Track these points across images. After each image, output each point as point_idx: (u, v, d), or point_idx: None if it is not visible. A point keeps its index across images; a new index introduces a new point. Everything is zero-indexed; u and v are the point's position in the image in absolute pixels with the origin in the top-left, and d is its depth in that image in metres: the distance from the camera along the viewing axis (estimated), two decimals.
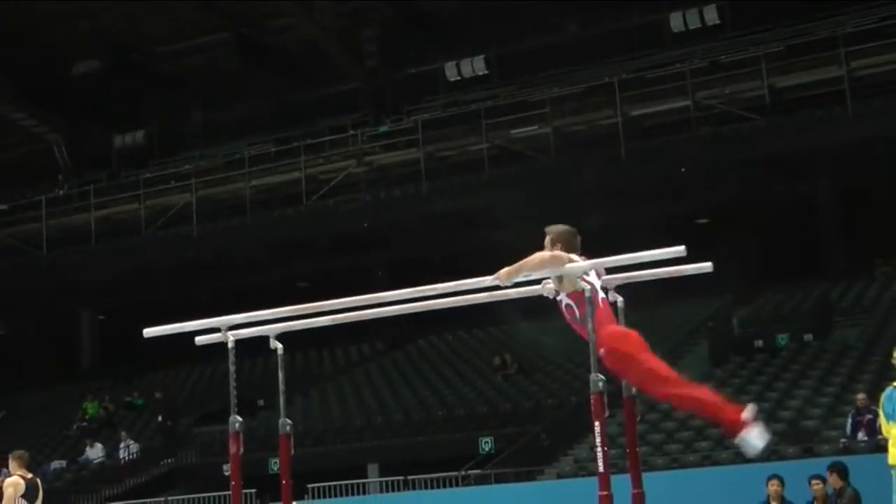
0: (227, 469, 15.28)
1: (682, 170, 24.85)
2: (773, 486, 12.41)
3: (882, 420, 9.40)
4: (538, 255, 6.32)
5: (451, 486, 18.83)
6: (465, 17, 31.06)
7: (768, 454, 16.70)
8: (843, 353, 20.83)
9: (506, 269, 6.28)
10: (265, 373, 27.40)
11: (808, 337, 21.77)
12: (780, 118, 24.21)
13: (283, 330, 7.49)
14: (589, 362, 6.21)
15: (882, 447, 11.75)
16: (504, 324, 27.47)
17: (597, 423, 6.05)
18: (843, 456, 14.20)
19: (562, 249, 6.46)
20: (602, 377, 6.10)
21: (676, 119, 25.35)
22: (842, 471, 11.93)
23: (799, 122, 23.98)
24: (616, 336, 6.28)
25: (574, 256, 6.43)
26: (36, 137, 35.49)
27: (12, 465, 11.62)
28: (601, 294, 6.42)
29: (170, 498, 21.46)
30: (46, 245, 30.40)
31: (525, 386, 23.80)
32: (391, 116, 30.58)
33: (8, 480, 11.49)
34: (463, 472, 19.03)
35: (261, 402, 25.37)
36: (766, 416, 18.23)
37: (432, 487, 18.99)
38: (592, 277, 6.35)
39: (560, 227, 6.64)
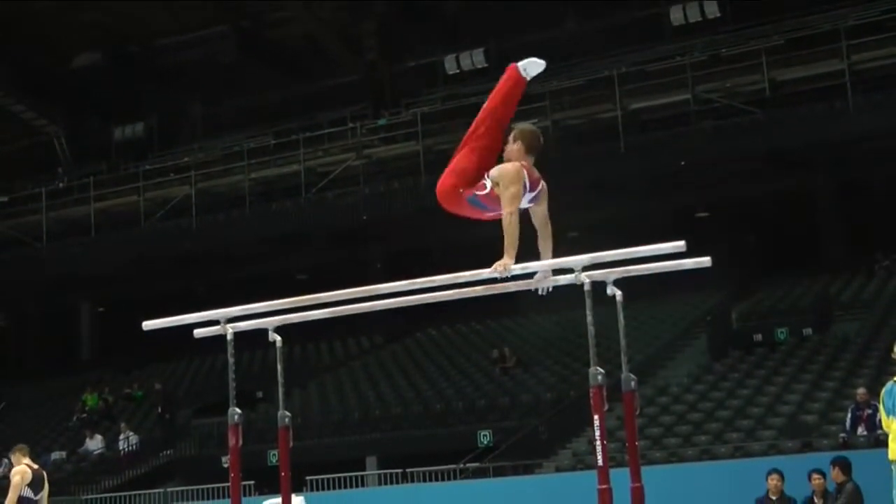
0: (225, 461, 15.31)
1: (682, 163, 24.84)
2: (773, 481, 12.39)
3: (882, 415, 9.39)
4: (507, 221, 6.29)
5: (449, 479, 18.84)
6: (465, 10, 31.03)
7: (767, 448, 16.79)
8: (842, 348, 20.79)
9: (500, 262, 6.27)
10: (264, 365, 27.40)
11: (808, 331, 21.72)
12: (780, 112, 24.17)
13: (282, 322, 7.47)
14: (588, 356, 6.20)
15: (882, 442, 11.77)
16: (505, 316, 27.52)
17: (596, 417, 6.04)
18: (842, 451, 14.16)
19: (524, 147, 6.54)
20: (601, 371, 6.10)
21: (676, 113, 25.34)
22: (845, 465, 11.89)
23: (799, 115, 23.94)
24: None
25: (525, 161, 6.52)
26: (36, 130, 35.45)
27: (16, 457, 11.69)
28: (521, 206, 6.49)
29: (169, 489, 21.49)
30: (46, 237, 30.43)
31: (524, 379, 23.78)
32: (390, 109, 30.54)
33: (16, 469, 11.57)
34: (461, 466, 19.04)
35: (259, 395, 25.42)
36: (766, 411, 18.37)
37: (430, 480, 18.99)
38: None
39: (526, 126, 6.71)
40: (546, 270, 6.53)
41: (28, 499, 11.42)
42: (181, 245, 29.28)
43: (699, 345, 23.14)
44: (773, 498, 12.37)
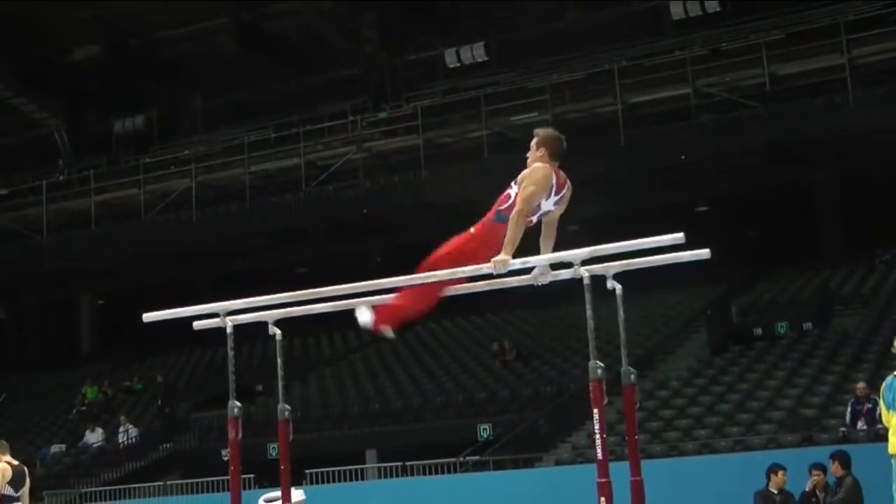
0: (225, 454, 15.29)
1: (682, 157, 24.84)
2: (780, 476, 12.37)
3: (882, 409, 9.37)
4: (514, 218, 6.32)
5: (449, 472, 18.82)
6: (465, 4, 31.01)
7: (766, 442, 16.80)
8: (842, 342, 20.80)
9: (498, 258, 6.27)
10: (264, 358, 27.43)
11: (808, 325, 21.73)
12: (780, 106, 24.15)
13: (282, 316, 7.48)
14: (588, 350, 6.21)
15: (882, 436, 11.74)
16: (505, 310, 27.53)
17: (595, 411, 6.05)
18: (842, 445, 14.17)
19: (547, 153, 6.55)
20: (601, 364, 6.10)
21: (676, 107, 25.29)
22: (844, 459, 11.89)
23: (799, 109, 23.92)
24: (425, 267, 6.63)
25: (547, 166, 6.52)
26: (36, 122, 35.45)
27: None
28: (534, 218, 6.49)
29: (168, 482, 21.48)
30: (46, 230, 30.42)
31: (523, 373, 23.79)
32: (390, 103, 30.53)
33: None
34: (461, 459, 19.03)
35: (259, 388, 25.42)
36: (765, 405, 18.38)
37: (430, 473, 18.99)
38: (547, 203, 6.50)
39: (549, 133, 6.72)
40: (545, 265, 6.53)
41: (9, 496, 11.23)
42: (181, 238, 29.29)
43: (699, 339, 23.15)
44: (774, 492, 12.37)
